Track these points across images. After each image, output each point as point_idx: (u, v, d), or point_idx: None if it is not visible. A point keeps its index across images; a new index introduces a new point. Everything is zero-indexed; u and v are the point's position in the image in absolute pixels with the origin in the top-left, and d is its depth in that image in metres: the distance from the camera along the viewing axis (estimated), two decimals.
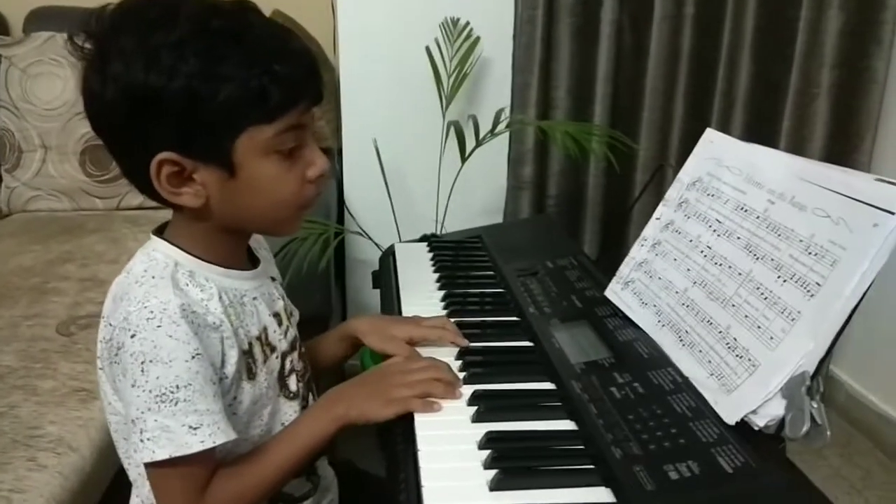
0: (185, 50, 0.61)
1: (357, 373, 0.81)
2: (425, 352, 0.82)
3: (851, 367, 1.84)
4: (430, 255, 1.16)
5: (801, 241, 0.68)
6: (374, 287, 1.17)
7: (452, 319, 0.89)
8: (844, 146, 1.78)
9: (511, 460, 0.63)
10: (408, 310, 0.96)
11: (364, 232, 1.71)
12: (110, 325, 0.66)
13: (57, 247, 1.58)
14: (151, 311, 0.64)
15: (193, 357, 0.64)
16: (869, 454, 1.76)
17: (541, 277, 1.01)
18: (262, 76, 0.63)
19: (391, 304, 1.01)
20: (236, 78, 0.62)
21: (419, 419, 0.70)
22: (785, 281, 0.68)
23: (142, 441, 0.64)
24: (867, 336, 1.68)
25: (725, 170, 0.81)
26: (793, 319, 0.65)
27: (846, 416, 1.84)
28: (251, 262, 0.78)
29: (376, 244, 1.66)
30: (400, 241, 1.62)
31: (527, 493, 0.59)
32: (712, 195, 0.82)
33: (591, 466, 0.62)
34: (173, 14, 0.62)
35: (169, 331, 0.63)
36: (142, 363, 0.63)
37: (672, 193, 0.87)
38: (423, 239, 1.26)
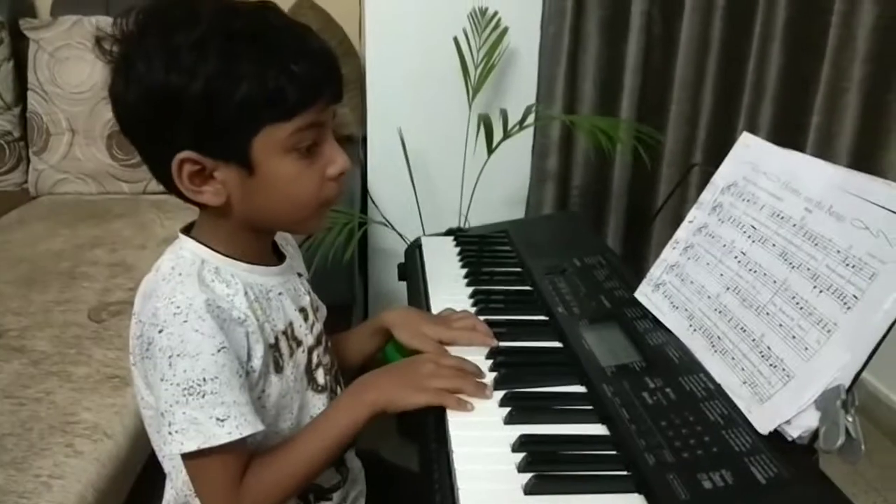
0: (205, 51, 0.62)
1: (382, 364, 0.82)
2: (454, 350, 0.83)
3: (872, 366, 1.83)
4: (457, 249, 1.17)
5: (838, 251, 0.68)
6: (401, 279, 1.18)
7: (481, 317, 0.89)
8: (874, 142, 1.76)
9: (545, 464, 0.64)
10: (437, 306, 0.96)
11: (388, 222, 1.72)
12: (140, 321, 0.68)
13: (85, 231, 1.61)
14: (178, 307, 0.65)
15: (219, 350, 0.65)
16: (888, 453, 1.76)
17: (569, 276, 1.01)
18: (279, 75, 0.64)
19: (419, 298, 1.02)
20: (253, 77, 0.63)
21: (452, 419, 0.71)
22: (821, 291, 0.68)
23: (171, 433, 0.65)
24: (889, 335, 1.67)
25: (762, 175, 0.81)
26: (829, 331, 0.65)
27: (866, 414, 1.84)
28: (277, 258, 0.79)
29: (400, 234, 1.67)
30: (423, 231, 1.63)
31: (561, 497, 0.60)
32: (748, 200, 0.81)
33: (625, 473, 0.63)
34: (194, 16, 0.64)
35: (195, 325, 0.65)
36: (169, 357, 0.65)
37: (706, 196, 0.87)
38: (448, 232, 1.26)
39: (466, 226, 1.51)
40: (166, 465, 0.76)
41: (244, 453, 0.69)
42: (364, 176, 1.82)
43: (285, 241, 0.83)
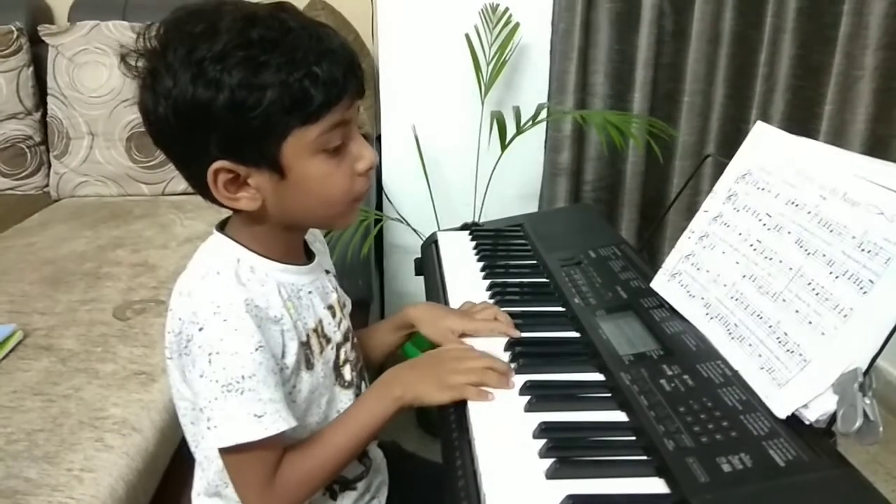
0: (228, 61, 0.63)
1: (402, 359, 0.83)
2: (475, 341, 0.84)
3: (890, 354, 1.83)
4: (473, 243, 1.18)
5: (853, 237, 0.69)
6: (417, 274, 1.19)
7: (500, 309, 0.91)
8: (887, 130, 1.75)
9: (566, 450, 0.65)
10: (454, 299, 0.98)
11: (403, 218, 1.73)
12: (179, 319, 0.69)
13: (107, 232, 1.63)
14: (218, 306, 0.67)
15: (257, 349, 0.67)
16: None
17: (584, 267, 1.02)
18: (303, 79, 0.64)
19: (436, 293, 1.03)
20: (276, 84, 0.64)
21: (473, 408, 0.72)
22: (837, 277, 0.68)
23: (209, 429, 0.67)
24: None
25: (776, 163, 0.82)
26: (845, 316, 0.66)
27: (884, 403, 1.83)
28: (307, 256, 0.80)
29: (415, 230, 1.69)
30: (438, 227, 1.64)
31: (582, 482, 0.61)
32: (762, 188, 0.82)
33: (645, 458, 0.64)
34: (213, 28, 0.64)
35: (234, 324, 0.66)
36: (209, 355, 0.66)
37: (720, 186, 0.88)
38: (464, 227, 1.28)
39: (481, 220, 1.52)
40: (198, 455, 0.78)
41: (279, 448, 0.71)
42: (379, 173, 1.83)
43: (314, 237, 0.85)
